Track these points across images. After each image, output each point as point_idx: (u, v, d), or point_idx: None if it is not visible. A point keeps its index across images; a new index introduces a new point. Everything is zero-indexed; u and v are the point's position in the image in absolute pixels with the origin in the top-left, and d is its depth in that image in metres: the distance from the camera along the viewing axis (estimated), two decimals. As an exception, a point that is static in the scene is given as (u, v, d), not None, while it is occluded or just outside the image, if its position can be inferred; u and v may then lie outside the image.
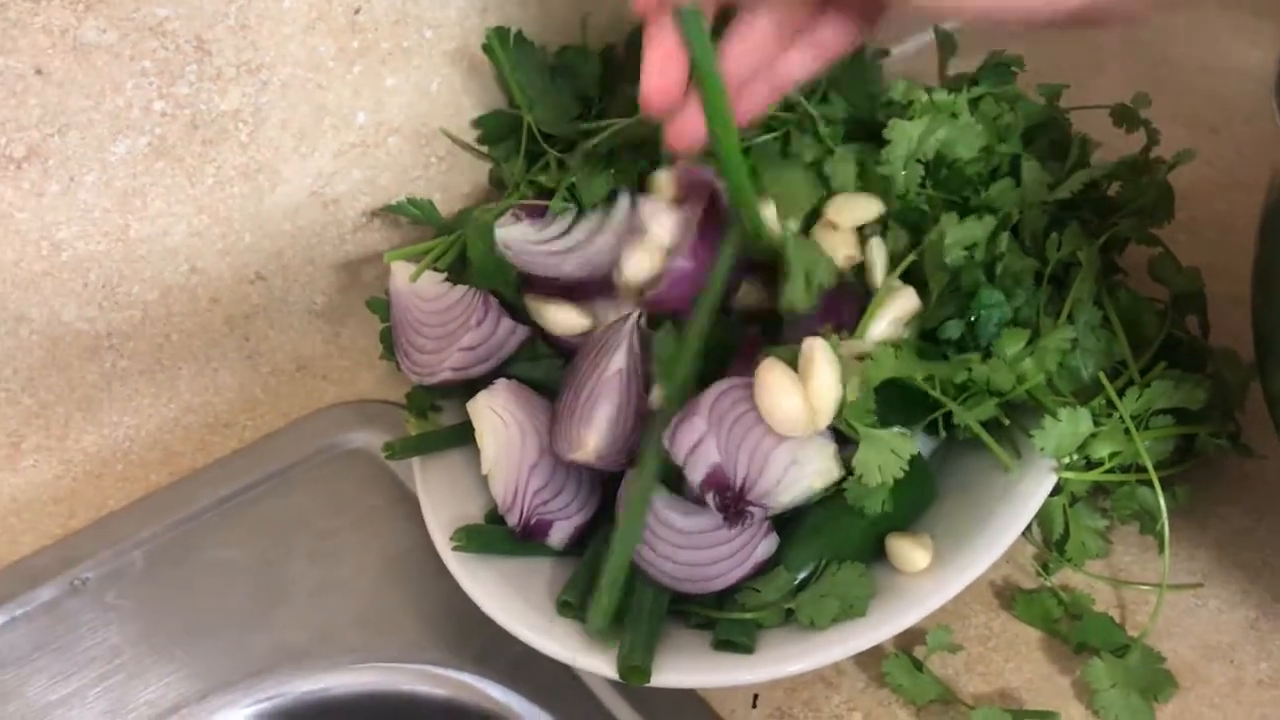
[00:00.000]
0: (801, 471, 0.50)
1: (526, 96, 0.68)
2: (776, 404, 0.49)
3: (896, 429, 0.50)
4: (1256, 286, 0.53)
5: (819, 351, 0.50)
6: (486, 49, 0.68)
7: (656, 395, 0.54)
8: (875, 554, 0.52)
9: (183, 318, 0.66)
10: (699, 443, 0.50)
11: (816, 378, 0.49)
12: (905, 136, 0.59)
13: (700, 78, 0.47)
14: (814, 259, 0.54)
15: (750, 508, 0.50)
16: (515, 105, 0.69)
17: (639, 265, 0.57)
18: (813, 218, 0.61)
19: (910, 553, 0.51)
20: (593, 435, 0.53)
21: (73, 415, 0.65)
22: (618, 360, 0.55)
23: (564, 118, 0.68)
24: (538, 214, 0.64)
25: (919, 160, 0.59)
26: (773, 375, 0.49)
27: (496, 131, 0.71)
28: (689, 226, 0.57)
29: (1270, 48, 0.50)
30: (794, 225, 0.59)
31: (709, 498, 0.50)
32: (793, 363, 0.50)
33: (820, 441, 0.51)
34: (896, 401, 0.53)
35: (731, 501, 0.50)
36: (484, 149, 0.71)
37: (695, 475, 0.51)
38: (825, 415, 0.50)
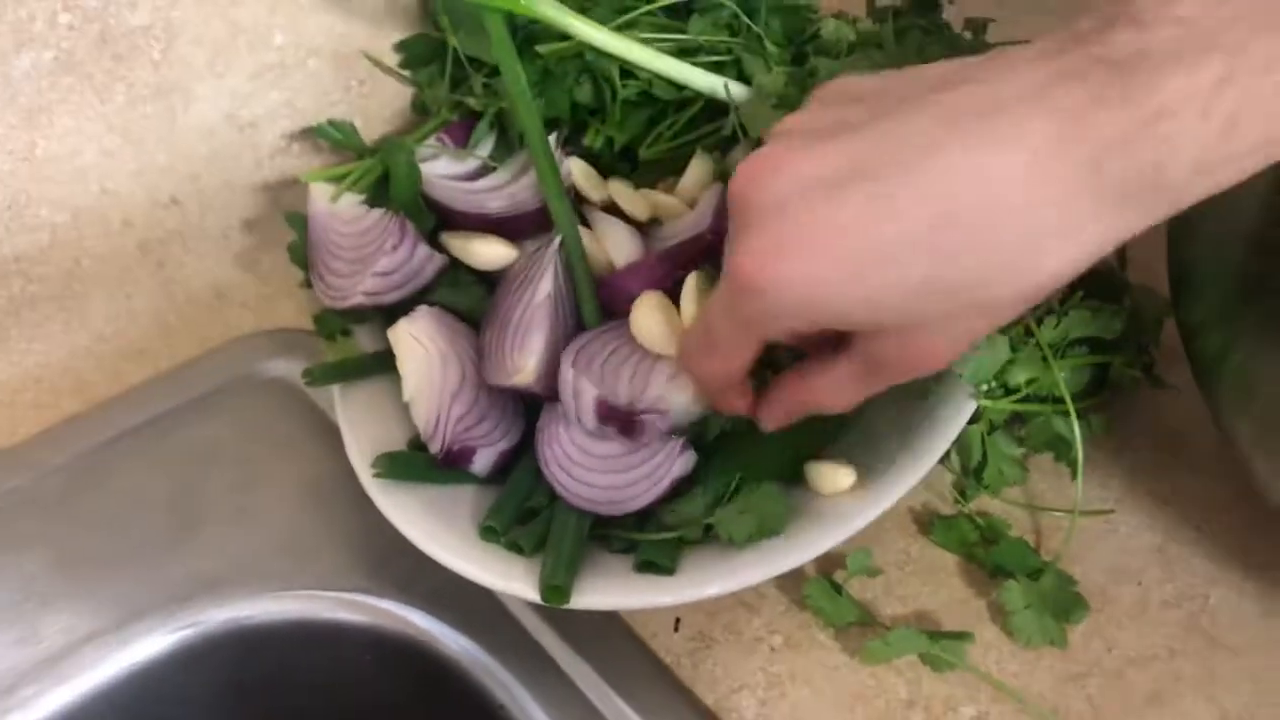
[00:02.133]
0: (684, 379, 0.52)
1: (451, 19, 0.66)
2: (644, 325, 0.52)
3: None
4: (1172, 221, 0.54)
5: (690, 280, 0.52)
6: (410, -32, 0.66)
7: None
8: (793, 478, 0.53)
9: (94, 241, 0.64)
10: (576, 391, 0.51)
11: (683, 305, 0.52)
12: (829, 74, 0.59)
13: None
14: None
15: (644, 416, 0.51)
16: (440, 29, 0.68)
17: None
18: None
19: (833, 474, 0.51)
20: (531, 358, 0.53)
21: (-21, 342, 0.63)
22: (545, 286, 0.54)
23: (490, 41, 0.66)
24: (461, 138, 0.63)
25: None
26: (646, 300, 0.52)
27: (420, 56, 0.69)
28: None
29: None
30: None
31: (608, 432, 0.51)
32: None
33: None
34: None
35: (623, 418, 0.51)
36: (407, 73, 0.70)
37: (588, 419, 0.52)
38: None
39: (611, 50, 0.59)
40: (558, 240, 0.56)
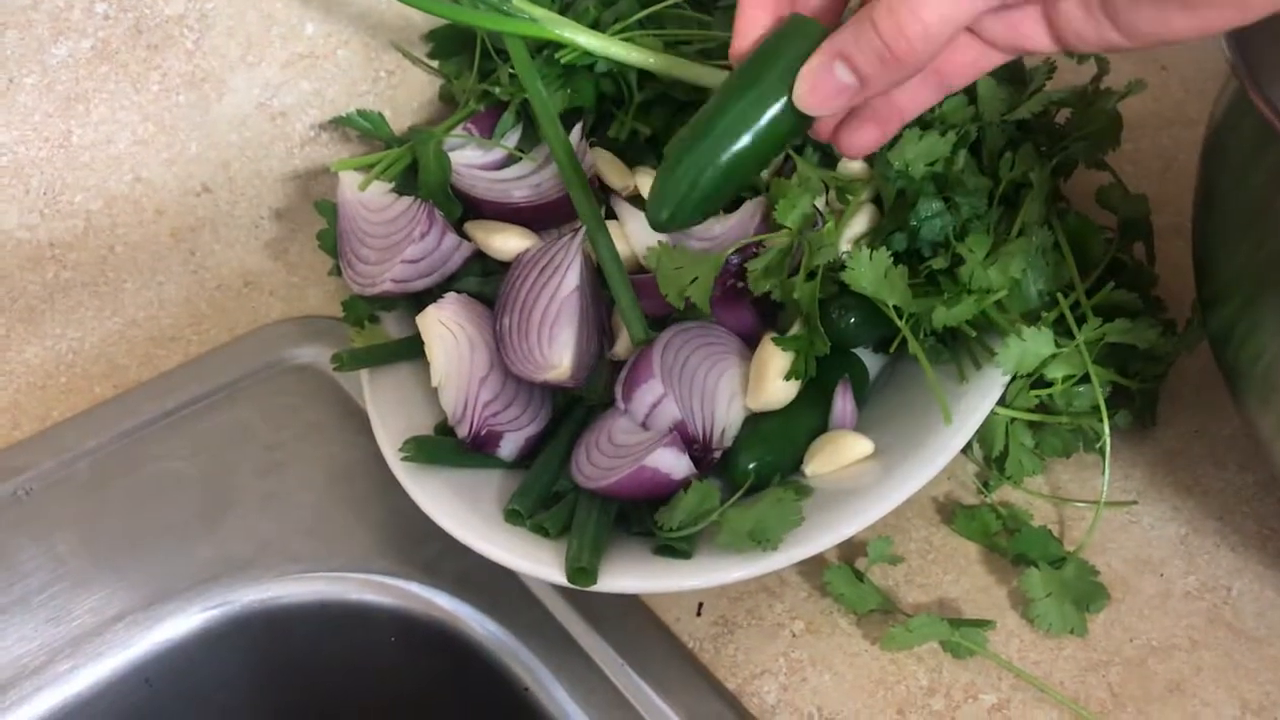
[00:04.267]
0: (739, 402, 0.54)
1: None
2: (775, 380, 0.54)
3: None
4: (1197, 215, 0.54)
5: (768, 344, 0.55)
6: (439, -41, 0.67)
7: (623, 346, 0.56)
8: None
9: (127, 229, 0.65)
10: (658, 403, 0.53)
11: (767, 366, 0.55)
12: None
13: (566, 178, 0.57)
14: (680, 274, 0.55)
15: (715, 453, 0.54)
16: (468, 20, 0.68)
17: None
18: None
19: (852, 443, 0.53)
20: (566, 355, 0.54)
21: (14, 326, 0.64)
22: (572, 278, 0.55)
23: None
24: (488, 127, 0.63)
25: None
26: (770, 350, 0.55)
27: (448, 46, 0.70)
28: None
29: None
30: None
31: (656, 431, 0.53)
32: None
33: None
34: (873, 311, 0.54)
35: (700, 454, 0.53)
36: (434, 64, 0.71)
37: (659, 426, 0.53)
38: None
39: (628, 61, 0.60)
40: (583, 231, 0.56)
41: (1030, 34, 0.41)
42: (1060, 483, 0.58)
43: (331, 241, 0.62)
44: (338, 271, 0.62)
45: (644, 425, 0.53)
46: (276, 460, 0.61)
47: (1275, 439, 0.49)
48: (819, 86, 0.41)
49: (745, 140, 0.43)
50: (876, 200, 0.58)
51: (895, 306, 0.53)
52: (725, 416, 0.54)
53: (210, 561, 0.57)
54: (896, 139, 0.56)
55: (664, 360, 0.53)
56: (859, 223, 0.57)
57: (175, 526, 0.58)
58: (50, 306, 0.65)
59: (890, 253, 0.54)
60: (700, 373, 0.54)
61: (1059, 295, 0.56)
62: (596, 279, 0.57)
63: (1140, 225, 0.62)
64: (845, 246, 0.56)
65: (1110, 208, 0.62)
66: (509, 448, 0.55)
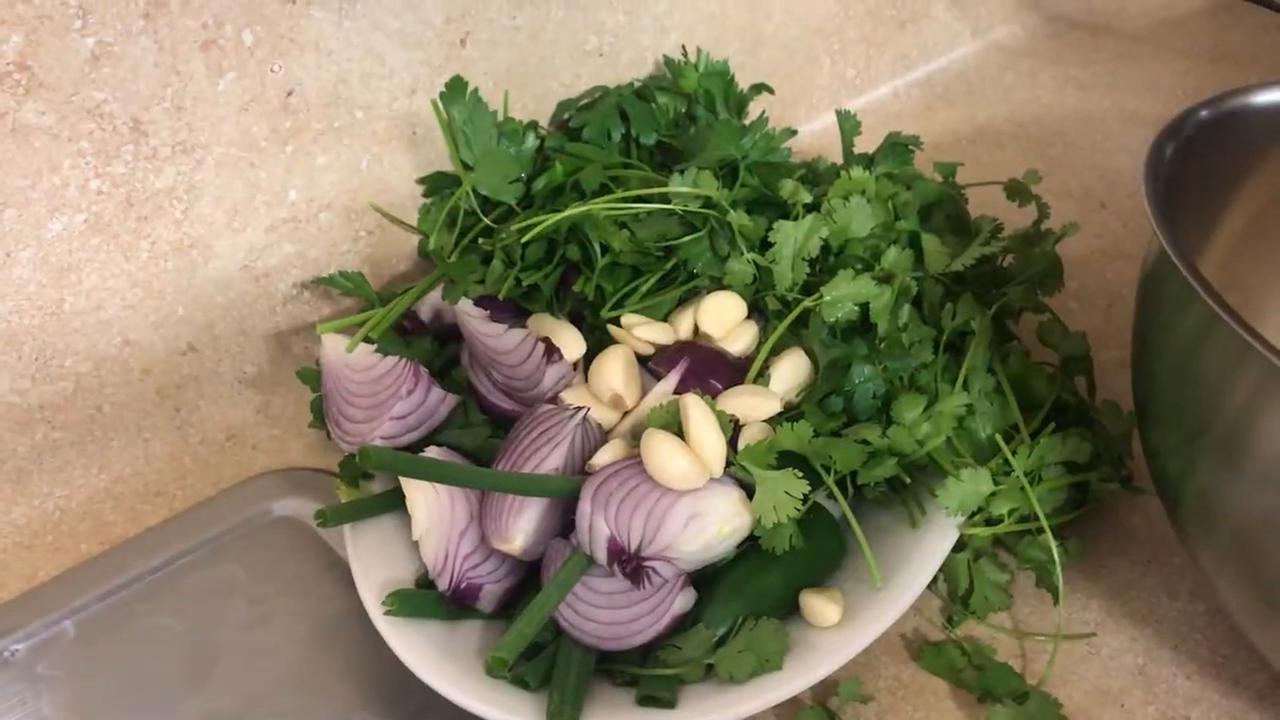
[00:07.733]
0: (705, 522, 0.54)
1: (472, 153, 0.70)
2: (665, 466, 0.54)
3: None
4: (1135, 350, 0.57)
5: (694, 409, 0.55)
6: (442, 99, 0.70)
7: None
8: (790, 609, 0.55)
9: (115, 389, 0.67)
10: (590, 526, 0.54)
11: (697, 433, 0.54)
12: (789, 237, 0.62)
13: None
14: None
15: (649, 564, 0.54)
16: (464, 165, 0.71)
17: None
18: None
19: (822, 608, 0.54)
20: (520, 533, 0.55)
21: (2, 488, 0.66)
22: (555, 458, 0.56)
23: (504, 180, 0.70)
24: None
25: (804, 258, 0.62)
26: (655, 441, 0.54)
27: (438, 185, 0.73)
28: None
29: (1152, 128, 0.55)
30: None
31: (614, 569, 0.54)
32: (673, 423, 0.56)
33: (722, 490, 0.54)
34: (802, 466, 0.56)
35: (628, 562, 0.54)
36: (412, 224, 0.74)
37: (600, 554, 0.54)
38: (715, 463, 0.54)
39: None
40: (583, 412, 0.58)
41: None
42: (1021, 616, 0.60)
43: (320, 408, 0.64)
44: (319, 424, 0.64)
45: (590, 552, 0.54)
46: (261, 614, 0.62)
47: (1218, 572, 0.51)
48: None
49: None
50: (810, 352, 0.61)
51: (823, 466, 0.56)
52: (674, 533, 0.54)
53: (197, 718, 0.58)
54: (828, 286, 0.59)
55: (598, 493, 0.54)
56: (784, 368, 0.60)
57: (162, 683, 0.59)
58: (39, 466, 0.66)
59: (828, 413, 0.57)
60: (652, 496, 0.54)
61: (998, 438, 0.58)
62: (584, 455, 0.58)
63: (1081, 362, 0.65)
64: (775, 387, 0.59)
65: (1051, 345, 0.66)
66: (489, 599, 0.56)
